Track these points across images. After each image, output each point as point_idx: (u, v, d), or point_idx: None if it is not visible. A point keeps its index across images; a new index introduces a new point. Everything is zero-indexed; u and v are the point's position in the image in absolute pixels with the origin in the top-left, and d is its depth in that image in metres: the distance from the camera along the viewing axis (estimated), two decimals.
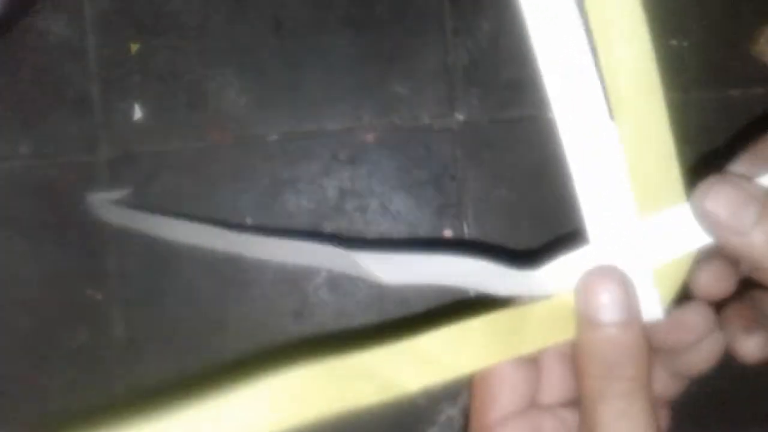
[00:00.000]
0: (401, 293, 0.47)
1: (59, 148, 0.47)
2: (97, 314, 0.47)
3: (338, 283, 0.48)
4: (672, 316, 0.22)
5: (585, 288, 0.22)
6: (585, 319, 0.21)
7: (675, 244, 0.22)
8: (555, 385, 0.25)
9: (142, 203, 0.47)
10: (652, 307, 0.22)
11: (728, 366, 0.26)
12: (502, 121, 0.47)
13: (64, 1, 0.48)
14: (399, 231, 0.47)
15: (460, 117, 0.47)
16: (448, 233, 0.47)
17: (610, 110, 0.22)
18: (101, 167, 0.47)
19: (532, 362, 0.24)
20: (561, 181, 0.48)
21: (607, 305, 0.21)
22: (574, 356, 0.22)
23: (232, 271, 0.47)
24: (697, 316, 0.22)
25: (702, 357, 0.23)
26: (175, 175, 0.47)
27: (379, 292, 0.48)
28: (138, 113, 0.47)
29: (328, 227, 0.47)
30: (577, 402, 0.22)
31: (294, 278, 0.47)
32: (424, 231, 0.47)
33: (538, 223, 0.47)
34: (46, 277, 0.47)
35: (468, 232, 0.47)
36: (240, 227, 0.46)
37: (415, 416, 0.47)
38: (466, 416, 0.47)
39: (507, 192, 0.47)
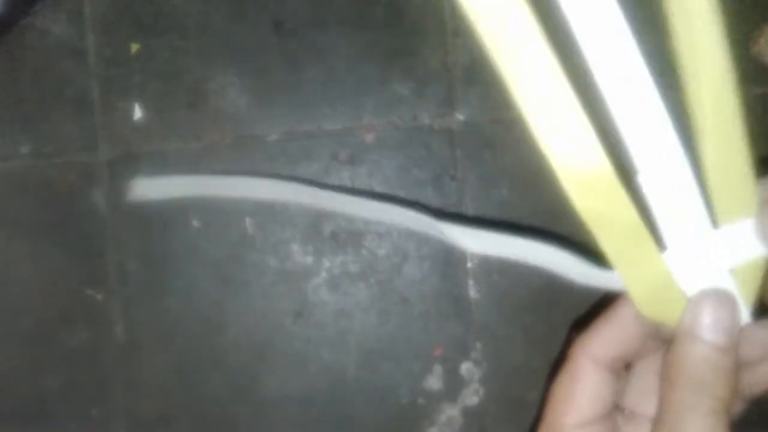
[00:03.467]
0: (401, 293, 0.47)
1: (59, 148, 0.47)
2: (97, 314, 0.47)
3: (338, 283, 0.48)
4: (743, 329, 0.23)
5: (697, 305, 0.23)
6: (689, 334, 0.23)
7: (750, 254, 0.23)
8: (642, 394, 0.26)
9: (142, 203, 0.47)
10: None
11: None
12: (502, 121, 0.47)
13: (64, 1, 0.48)
14: (399, 231, 0.47)
15: (460, 117, 0.47)
16: None
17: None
18: (101, 167, 0.47)
19: (622, 369, 0.25)
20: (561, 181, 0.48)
21: (714, 326, 0.22)
22: (666, 366, 0.23)
23: (232, 271, 0.47)
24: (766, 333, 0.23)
25: (765, 374, 0.24)
26: (175, 175, 0.47)
27: (379, 292, 0.48)
28: (138, 113, 0.47)
29: (328, 227, 0.47)
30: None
31: (294, 278, 0.47)
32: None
33: (538, 223, 0.47)
34: (46, 277, 0.47)
35: None
36: (319, 185, 0.45)
37: (415, 416, 0.47)
38: (469, 416, 0.47)
39: (507, 192, 0.47)
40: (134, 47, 0.48)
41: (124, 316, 0.47)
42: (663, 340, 0.25)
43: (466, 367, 0.47)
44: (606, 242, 0.24)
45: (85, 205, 0.47)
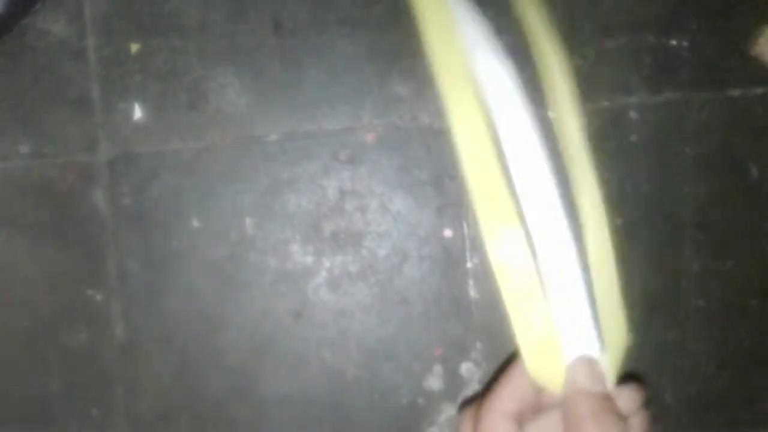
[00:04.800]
0: (401, 293, 0.48)
1: (59, 148, 0.47)
2: (97, 314, 0.47)
3: (338, 283, 0.48)
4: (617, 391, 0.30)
5: (575, 366, 0.30)
6: (578, 389, 0.29)
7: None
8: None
9: (142, 203, 0.47)
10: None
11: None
12: None
13: (64, 1, 0.48)
14: (399, 231, 0.47)
15: None
16: (448, 233, 0.47)
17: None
18: (101, 167, 0.47)
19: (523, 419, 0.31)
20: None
21: (591, 379, 0.29)
22: (567, 419, 0.29)
23: (232, 271, 0.47)
24: (634, 393, 0.30)
25: (634, 426, 0.30)
26: (175, 175, 0.47)
27: (379, 292, 0.48)
28: (138, 113, 0.47)
29: (328, 227, 0.47)
30: None
31: (294, 278, 0.47)
32: (424, 231, 0.47)
33: None
34: (46, 277, 0.47)
35: (468, 231, 0.47)
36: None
37: (415, 416, 0.47)
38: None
39: None
40: (134, 47, 0.48)
41: (124, 316, 0.47)
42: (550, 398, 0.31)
43: (466, 367, 0.47)
44: (515, 319, 0.30)
45: (85, 205, 0.47)
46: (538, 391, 0.31)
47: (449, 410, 0.47)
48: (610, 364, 0.30)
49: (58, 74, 0.47)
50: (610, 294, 0.30)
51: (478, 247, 0.47)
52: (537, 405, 0.31)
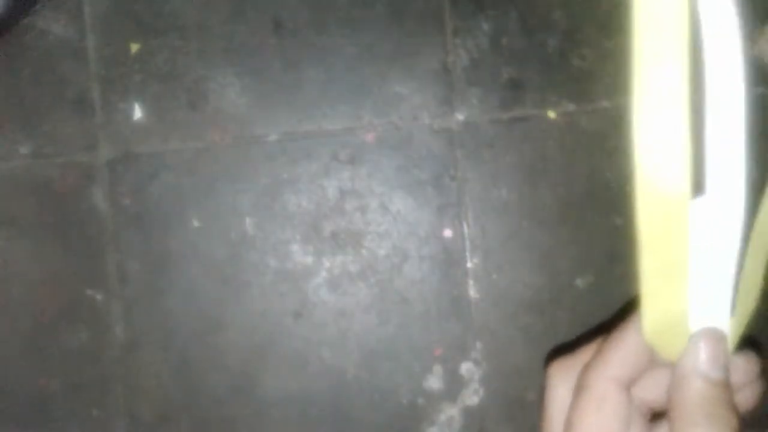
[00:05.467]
0: (401, 293, 0.48)
1: (59, 148, 0.47)
2: (97, 314, 0.47)
3: (338, 283, 0.48)
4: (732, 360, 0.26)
5: (696, 344, 0.26)
6: (692, 372, 0.25)
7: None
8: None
9: (142, 203, 0.47)
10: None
11: (762, 358, 0.27)
12: (502, 121, 0.47)
13: (64, 1, 0.48)
14: (399, 231, 0.47)
15: (460, 117, 0.47)
16: (448, 233, 0.47)
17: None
18: (101, 167, 0.47)
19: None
20: (561, 181, 0.49)
21: (712, 363, 0.25)
22: (673, 404, 0.25)
23: (232, 271, 0.47)
24: (748, 364, 0.27)
25: (742, 400, 0.27)
26: (175, 175, 0.47)
27: (379, 292, 0.48)
28: (138, 113, 0.47)
29: (328, 227, 0.47)
30: None
31: (294, 278, 0.47)
32: (424, 231, 0.47)
33: (538, 223, 0.47)
34: (46, 277, 0.47)
35: (468, 232, 0.47)
36: None
37: (415, 416, 0.47)
38: (470, 416, 0.47)
39: (507, 192, 0.47)
40: (134, 47, 0.48)
41: (124, 316, 0.47)
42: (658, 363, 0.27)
43: (466, 367, 0.47)
44: (648, 264, 0.25)
45: (85, 205, 0.47)
46: (651, 354, 0.27)
47: (449, 410, 0.47)
48: (733, 331, 0.26)
49: (58, 74, 0.47)
50: (757, 259, 0.26)
51: (478, 247, 0.47)
52: (646, 367, 0.27)
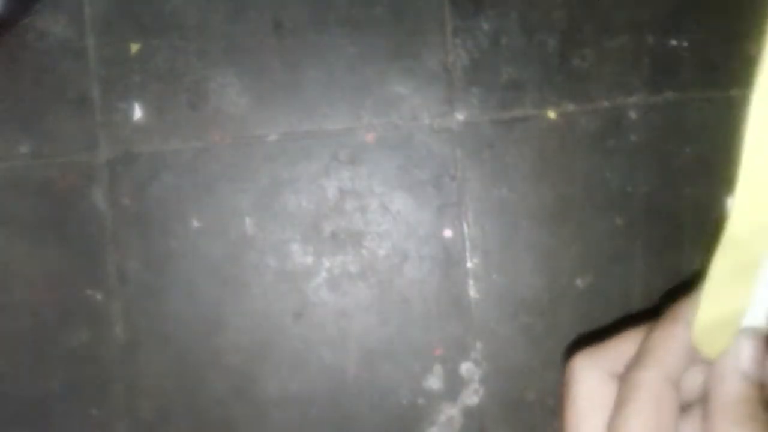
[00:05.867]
0: (401, 293, 0.47)
1: (59, 148, 0.47)
2: (97, 314, 0.47)
3: (338, 283, 0.48)
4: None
5: (741, 343, 0.25)
6: (733, 370, 0.25)
7: None
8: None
9: (142, 203, 0.47)
10: None
11: None
12: (502, 121, 0.47)
13: (64, 1, 0.48)
14: (399, 231, 0.47)
15: (460, 117, 0.47)
16: (448, 233, 0.47)
17: None
18: (101, 167, 0.47)
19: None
20: (561, 181, 0.49)
21: (754, 364, 0.25)
22: (711, 400, 0.25)
23: (232, 271, 0.47)
24: None
25: None
26: (175, 175, 0.47)
27: (379, 292, 0.48)
28: (138, 113, 0.47)
29: (328, 227, 0.47)
30: None
31: (294, 278, 0.47)
32: (424, 231, 0.47)
33: (538, 223, 0.47)
34: (46, 277, 0.47)
35: (468, 231, 0.47)
36: None
37: (415, 416, 0.47)
38: (471, 416, 0.47)
39: (507, 192, 0.47)
40: (134, 47, 0.47)
41: (124, 316, 0.47)
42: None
43: (466, 367, 0.47)
44: (721, 268, 0.24)
45: (85, 205, 0.47)
46: (695, 351, 0.26)
47: (449, 410, 0.47)
48: None
49: (58, 74, 0.47)
50: None
51: (478, 247, 0.47)
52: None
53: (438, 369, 0.47)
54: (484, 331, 0.47)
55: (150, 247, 0.47)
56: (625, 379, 0.25)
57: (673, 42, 0.48)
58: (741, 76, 0.48)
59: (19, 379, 0.47)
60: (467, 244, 0.47)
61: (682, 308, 0.25)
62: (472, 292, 0.47)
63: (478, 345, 0.47)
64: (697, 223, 0.48)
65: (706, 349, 0.25)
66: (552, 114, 0.47)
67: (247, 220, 0.47)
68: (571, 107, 0.47)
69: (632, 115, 0.47)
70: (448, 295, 0.47)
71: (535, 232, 0.47)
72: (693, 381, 0.26)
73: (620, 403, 0.25)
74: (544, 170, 0.47)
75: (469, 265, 0.47)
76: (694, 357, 0.26)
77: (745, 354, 0.25)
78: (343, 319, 0.48)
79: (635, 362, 0.26)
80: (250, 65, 0.47)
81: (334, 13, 0.47)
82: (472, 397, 0.47)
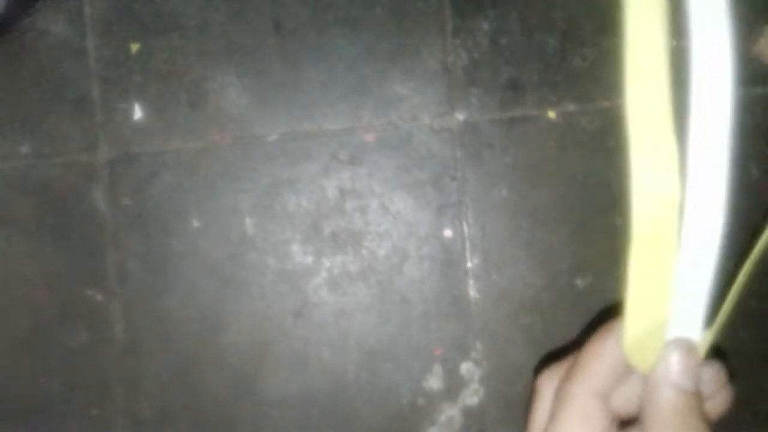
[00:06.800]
0: (401, 293, 0.47)
1: (59, 148, 0.47)
2: (97, 314, 0.47)
3: (338, 283, 0.48)
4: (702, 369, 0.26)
5: (669, 354, 0.26)
6: (667, 381, 0.25)
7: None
8: None
9: (142, 203, 0.47)
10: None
11: (728, 366, 0.27)
12: (502, 121, 0.47)
13: (64, 1, 0.48)
14: (399, 231, 0.47)
15: (460, 117, 0.47)
16: (448, 233, 0.47)
17: None
18: (101, 167, 0.47)
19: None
20: (561, 181, 0.49)
21: (684, 373, 0.25)
22: (645, 411, 0.25)
23: (232, 271, 0.47)
24: (716, 373, 0.26)
25: (712, 408, 0.27)
26: (175, 175, 0.47)
27: (379, 292, 0.48)
28: (138, 113, 0.47)
29: (328, 227, 0.47)
30: None
31: (294, 278, 0.47)
32: (424, 231, 0.47)
33: (538, 223, 0.47)
34: (46, 277, 0.47)
35: (468, 231, 0.47)
36: None
37: (415, 416, 0.47)
38: (469, 416, 0.47)
39: (507, 192, 0.47)
40: (134, 47, 0.48)
41: (124, 316, 0.47)
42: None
43: (466, 367, 0.47)
44: (636, 275, 0.25)
45: (85, 205, 0.47)
46: (625, 365, 0.26)
47: (449, 410, 0.47)
48: (706, 342, 0.26)
49: (58, 74, 0.47)
50: (743, 273, 0.26)
51: (478, 247, 0.47)
52: (621, 377, 0.27)
53: (438, 369, 0.47)
54: (484, 331, 0.47)
55: (150, 247, 0.47)
56: (556, 393, 0.26)
57: (673, 42, 0.48)
58: (741, 76, 0.48)
59: (19, 379, 0.47)
60: (467, 244, 0.47)
61: (615, 323, 0.26)
62: (472, 292, 0.47)
63: (478, 345, 0.47)
64: None
65: (638, 362, 0.26)
66: (552, 114, 0.47)
67: (247, 220, 0.47)
68: (571, 107, 0.47)
69: None
70: (448, 295, 0.47)
71: (535, 232, 0.47)
72: (633, 395, 0.27)
73: (551, 416, 0.26)
74: (544, 170, 0.47)
75: (469, 265, 0.47)
76: (626, 371, 0.26)
77: (674, 365, 0.25)
78: (343, 319, 0.48)
79: (565, 377, 0.27)
80: (250, 65, 0.47)
81: (334, 13, 0.47)
82: (472, 397, 0.47)
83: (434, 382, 0.47)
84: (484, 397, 0.47)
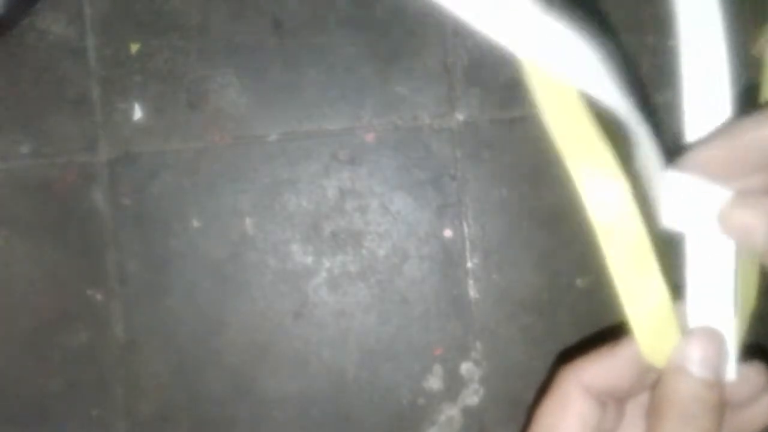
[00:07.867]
0: (401, 293, 0.47)
1: (59, 148, 0.47)
2: (97, 314, 0.47)
3: (338, 283, 0.48)
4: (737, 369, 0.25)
5: (688, 342, 0.24)
6: (678, 369, 0.24)
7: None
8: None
9: (142, 203, 0.47)
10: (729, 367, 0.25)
11: None
12: (502, 121, 0.47)
13: (64, 1, 0.48)
14: (399, 231, 0.47)
15: (460, 117, 0.47)
16: (448, 233, 0.47)
17: None
18: (101, 167, 0.47)
19: (609, 404, 0.26)
20: (561, 181, 0.49)
21: (702, 362, 0.24)
22: (654, 399, 0.24)
23: (232, 271, 0.47)
24: (756, 375, 0.25)
25: (754, 415, 0.25)
26: (175, 175, 0.47)
27: (379, 292, 0.48)
28: (138, 113, 0.47)
29: (328, 227, 0.47)
30: None
31: (294, 278, 0.47)
32: (424, 231, 0.47)
33: (538, 223, 0.47)
34: (46, 277, 0.47)
35: (468, 231, 0.47)
36: None
37: (415, 416, 0.47)
38: (468, 416, 0.47)
39: (507, 192, 0.47)
40: (134, 47, 0.48)
41: (124, 316, 0.47)
42: (650, 381, 0.25)
43: (466, 367, 0.47)
44: (615, 265, 0.25)
45: (85, 205, 0.47)
46: (644, 370, 0.25)
47: (449, 410, 0.47)
48: (736, 336, 0.24)
49: (58, 74, 0.47)
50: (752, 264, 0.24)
51: (478, 247, 0.47)
52: (637, 384, 0.26)
53: (438, 369, 0.47)
54: (484, 331, 0.47)
55: (150, 247, 0.47)
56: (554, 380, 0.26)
57: (673, 42, 0.48)
58: (740, 76, 0.48)
59: (19, 379, 0.47)
60: (467, 244, 0.47)
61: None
62: (472, 292, 0.47)
63: (478, 345, 0.47)
64: None
65: (656, 356, 0.25)
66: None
67: (247, 220, 0.47)
68: None
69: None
70: (448, 295, 0.47)
71: (535, 232, 0.47)
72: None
73: (541, 402, 0.26)
74: (544, 170, 0.47)
75: (469, 265, 0.47)
76: (641, 372, 0.25)
77: (692, 353, 0.24)
78: (343, 319, 0.48)
79: (563, 367, 0.26)
80: (250, 65, 0.47)
81: (334, 13, 0.47)
82: (472, 397, 0.47)
83: (434, 382, 0.47)
84: (484, 397, 0.47)
